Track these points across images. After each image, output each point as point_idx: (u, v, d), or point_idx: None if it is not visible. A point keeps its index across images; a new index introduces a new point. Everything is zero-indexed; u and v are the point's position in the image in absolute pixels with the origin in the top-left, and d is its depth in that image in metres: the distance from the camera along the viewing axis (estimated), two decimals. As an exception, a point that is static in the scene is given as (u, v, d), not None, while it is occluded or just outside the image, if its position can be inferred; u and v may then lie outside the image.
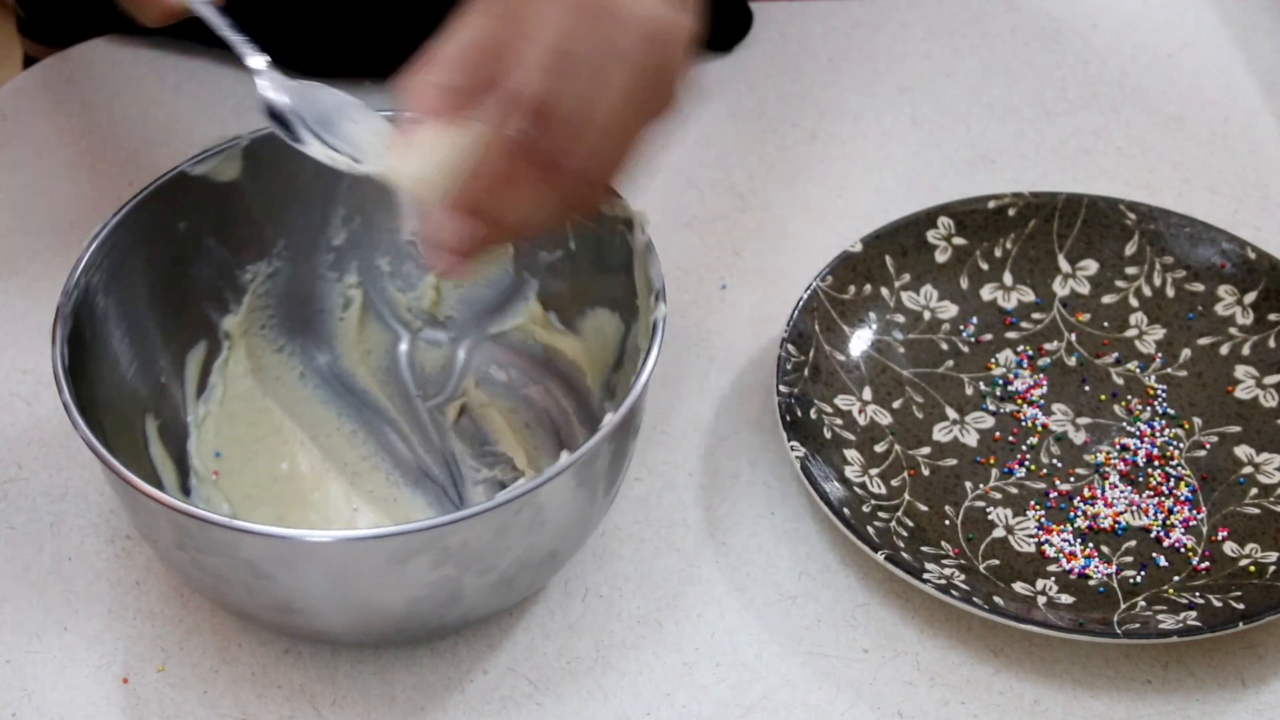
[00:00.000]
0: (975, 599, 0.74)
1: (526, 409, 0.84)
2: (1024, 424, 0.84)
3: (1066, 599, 0.76)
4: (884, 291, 0.87)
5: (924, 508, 0.80)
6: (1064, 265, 0.89)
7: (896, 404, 0.84)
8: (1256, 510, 0.80)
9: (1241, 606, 0.74)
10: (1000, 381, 0.86)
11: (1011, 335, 0.87)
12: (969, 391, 0.85)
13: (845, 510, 0.77)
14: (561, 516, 0.71)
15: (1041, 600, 0.76)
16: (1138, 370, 0.86)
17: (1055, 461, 0.82)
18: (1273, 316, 0.86)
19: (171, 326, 0.80)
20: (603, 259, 0.79)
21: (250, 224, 0.80)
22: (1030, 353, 0.87)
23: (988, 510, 0.80)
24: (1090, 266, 0.89)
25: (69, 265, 0.75)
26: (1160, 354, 0.86)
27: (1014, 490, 0.81)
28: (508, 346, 0.85)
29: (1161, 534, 0.79)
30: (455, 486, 0.81)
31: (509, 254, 0.83)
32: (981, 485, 0.81)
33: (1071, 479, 0.82)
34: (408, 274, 0.85)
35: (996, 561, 0.78)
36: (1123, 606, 0.76)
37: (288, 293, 0.83)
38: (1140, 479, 0.82)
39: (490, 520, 0.67)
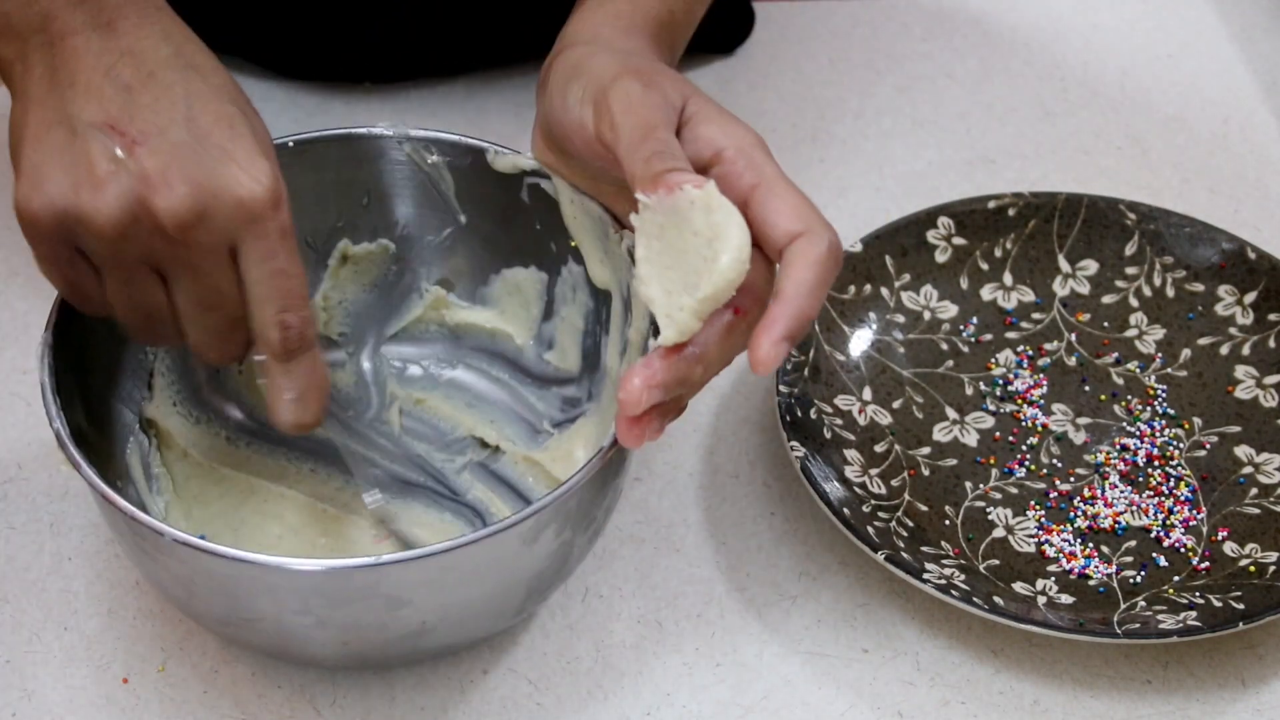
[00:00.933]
0: (975, 599, 0.74)
1: (460, 391, 0.83)
2: (1024, 424, 0.84)
3: (1066, 599, 0.76)
4: (884, 291, 0.87)
5: (924, 508, 0.80)
6: (1064, 265, 0.89)
7: (896, 404, 0.84)
8: (1256, 510, 0.80)
9: (1241, 606, 0.74)
10: (1000, 381, 0.86)
11: (1011, 335, 0.87)
12: (969, 391, 0.85)
13: (845, 510, 0.77)
14: (633, 452, 0.72)
15: (1041, 600, 0.76)
16: (1138, 370, 0.86)
17: (1055, 461, 0.82)
18: (1273, 316, 0.86)
19: (103, 434, 0.75)
20: (506, 218, 0.79)
21: None
22: (1030, 353, 0.87)
23: (988, 510, 0.80)
24: (1090, 266, 0.89)
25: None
26: (1160, 354, 0.86)
27: (1014, 490, 0.81)
28: (410, 341, 0.84)
29: (1161, 534, 0.79)
30: (440, 482, 0.81)
31: (388, 253, 0.81)
32: (981, 485, 0.81)
33: (1071, 479, 0.82)
34: None
35: (996, 561, 0.78)
36: (1123, 606, 0.76)
37: (184, 362, 0.79)
38: (1140, 479, 0.82)
39: (598, 477, 0.68)
